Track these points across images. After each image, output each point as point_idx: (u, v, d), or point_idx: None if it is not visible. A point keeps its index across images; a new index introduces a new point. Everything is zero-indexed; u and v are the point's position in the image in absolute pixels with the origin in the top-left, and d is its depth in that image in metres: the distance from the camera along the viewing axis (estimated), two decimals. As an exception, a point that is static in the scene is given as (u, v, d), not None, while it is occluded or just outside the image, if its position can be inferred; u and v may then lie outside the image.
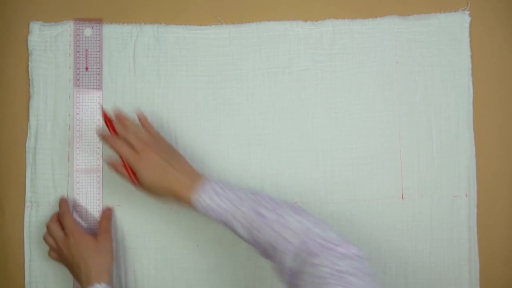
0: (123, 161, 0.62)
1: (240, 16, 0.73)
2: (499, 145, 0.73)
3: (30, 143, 0.71)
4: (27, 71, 0.71)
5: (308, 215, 0.57)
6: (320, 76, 0.72)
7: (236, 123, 0.72)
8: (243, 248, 0.70)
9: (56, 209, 0.70)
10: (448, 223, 0.72)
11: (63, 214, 0.67)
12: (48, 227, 0.67)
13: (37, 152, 0.71)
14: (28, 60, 0.71)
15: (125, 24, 0.72)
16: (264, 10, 0.73)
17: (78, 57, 0.72)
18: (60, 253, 0.66)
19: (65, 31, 0.72)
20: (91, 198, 0.71)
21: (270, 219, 0.56)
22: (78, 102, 0.72)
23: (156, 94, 0.72)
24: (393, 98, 0.72)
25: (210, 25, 0.73)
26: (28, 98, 0.72)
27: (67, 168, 0.71)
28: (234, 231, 0.58)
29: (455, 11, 0.73)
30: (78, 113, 0.72)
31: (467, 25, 0.73)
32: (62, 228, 0.67)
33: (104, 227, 0.68)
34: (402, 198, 0.72)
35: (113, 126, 0.64)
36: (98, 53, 0.72)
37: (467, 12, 0.73)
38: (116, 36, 0.72)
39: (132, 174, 0.62)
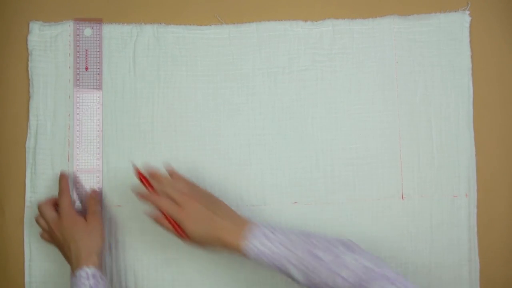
0: (164, 215, 0.61)
1: (240, 16, 0.73)
2: (499, 145, 0.73)
3: (30, 143, 0.71)
4: (27, 71, 0.72)
5: (362, 251, 0.57)
6: (320, 76, 0.72)
7: (236, 123, 0.72)
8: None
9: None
10: (448, 223, 0.72)
11: (62, 192, 0.67)
12: (40, 208, 0.67)
13: (37, 152, 0.71)
14: (28, 60, 0.71)
15: (125, 24, 0.72)
16: (264, 10, 0.73)
17: (78, 57, 0.72)
18: (52, 234, 0.66)
19: (65, 31, 0.72)
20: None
21: (326, 260, 0.55)
22: (78, 102, 0.72)
23: (156, 94, 0.72)
24: (393, 98, 0.72)
25: (210, 25, 0.73)
26: (28, 98, 0.72)
27: (67, 168, 0.71)
28: (288, 275, 0.57)
29: (455, 11, 0.73)
30: (78, 113, 0.72)
31: (467, 25, 0.73)
32: (55, 209, 0.67)
33: (93, 209, 0.67)
34: (402, 198, 0.72)
35: (149, 183, 0.63)
36: (98, 53, 0.72)
37: (467, 12, 0.73)
38: (116, 36, 0.72)
39: (178, 228, 0.60)
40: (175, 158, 0.71)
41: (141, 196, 0.63)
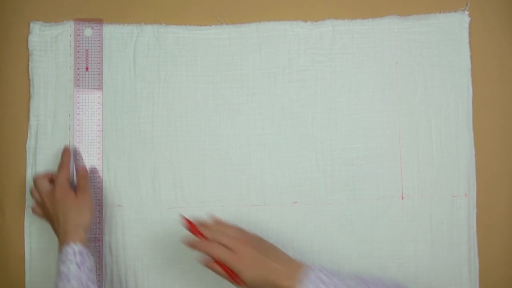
0: (215, 260, 0.60)
1: (240, 16, 0.73)
2: (499, 145, 0.73)
3: (30, 143, 0.71)
4: (27, 71, 0.72)
5: None
6: (320, 76, 0.72)
7: (236, 123, 0.72)
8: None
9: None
10: (448, 223, 0.72)
11: (61, 166, 0.68)
12: (35, 180, 0.68)
13: (37, 152, 0.71)
14: (28, 60, 0.72)
15: (125, 24, 0.73)
16: (264, 10, 0.73)
17: (78, 57, 0.72)
18: (44, 207, 0.66)
19: (65, 31, 0.72)
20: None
21: None
22: (78, 102, 0.72)
23: (156, 94, 0.72)
24: (393, 98, 0.72)
25: (210, 25, 0.73)
26: (28, 98, 0.72)
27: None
28: None
29: (455, 11, 0.73)
30: (78, 113, 0.72)
31: (467, 25, 0.73)
32: (50, 184, 0.68)
33: (82, 185, 0.68)
34: (402, 198, 0.72)
35: (199, 231, 0.62)
36: (99, 53, 0.72)
37: (467, 13, 0.73)
38: (116, 36, 0.72)
39: (232, 274, 0.59)
40: (175, 158, 0.71)
41: (191, 244, 0.61)
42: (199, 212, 0.71)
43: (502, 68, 0.73)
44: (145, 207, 0.71)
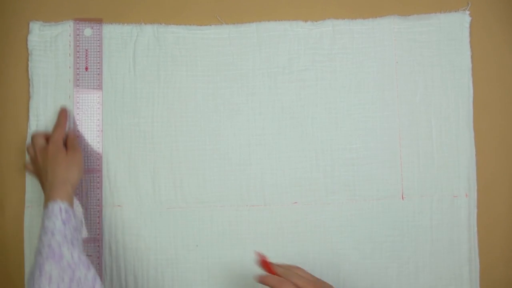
0: None
1: (240, 16, 0.73)
2: (499, 145, 0.73)
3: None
4: (27, 71, 0.72)
5: None
6: (320, 76, 0.72)
7: (236, 123, 0.72)
8: (243, 249, 0.71)
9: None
10: (448, 223, 0.72)
11: (57, 124, 0.69)
12: (32, 137, 0.69)
13: (37, 152, 0.71)
14: (28, 60, 0.72)
15: (125, 24, 0.72)
16: (264, 10, 0.73)
17: (78, 57, 0.72)
18: (36, 161, 0.67)
19: (65, 31, 0.72)
20: (91, 198, 0.71)
21: None
22: (78, 102, 0.72)
23: (156, 94, 0.72)
24: (393, 98, 0.72)
25: (210, 25, 0.73)
26: (28, 98, 0.72)
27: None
28: None
29: (455, 11, 0.73)
30: (78, 113, 0.72)
31: (467, 25, 0.73)
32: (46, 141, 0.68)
33: (72, 144, 0.68)
34: (402, 198, 0.72)
35: (271, 268, 0.60)
36: (98, 53, 0.72)
37: (467, 12, 0.73)
38: (116, 36, 0.72)
39: None
40: (175, 158, 0.71)
41: (264, 279, 0.59)
42: (199, 212, 0.71)
43: (502, 68, 0.73)
44: (145, 207, 0.71)
